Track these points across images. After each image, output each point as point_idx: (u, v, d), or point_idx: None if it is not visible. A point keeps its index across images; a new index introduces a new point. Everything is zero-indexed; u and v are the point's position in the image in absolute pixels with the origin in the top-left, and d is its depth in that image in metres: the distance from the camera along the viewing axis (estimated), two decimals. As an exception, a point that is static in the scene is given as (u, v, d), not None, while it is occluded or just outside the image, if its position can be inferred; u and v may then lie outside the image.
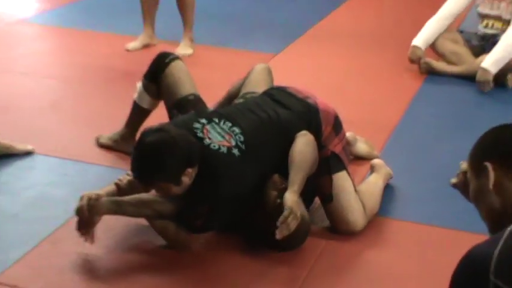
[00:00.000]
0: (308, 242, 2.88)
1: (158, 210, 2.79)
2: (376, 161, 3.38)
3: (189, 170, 2.70)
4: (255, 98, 3.12)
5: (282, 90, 3.14)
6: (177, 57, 3.37)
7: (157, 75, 3.33)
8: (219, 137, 2.82)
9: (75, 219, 2.76)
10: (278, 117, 2.96)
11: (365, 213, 3.01)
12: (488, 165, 1.73)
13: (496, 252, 1.52)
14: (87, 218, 2.74)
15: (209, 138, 2.80)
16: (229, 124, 2.88)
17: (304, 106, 3.04)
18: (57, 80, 4.64)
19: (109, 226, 2.96)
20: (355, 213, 2.97)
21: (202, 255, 2.82)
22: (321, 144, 2.97)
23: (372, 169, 3.34)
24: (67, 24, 5.84)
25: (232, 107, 3.09)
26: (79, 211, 2.74)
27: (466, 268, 1.59)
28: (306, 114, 3.01)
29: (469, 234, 2.83)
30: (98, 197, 2.75)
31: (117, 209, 2.77)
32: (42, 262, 2.73)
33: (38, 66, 4.84)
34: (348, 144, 3.29)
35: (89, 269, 2.71)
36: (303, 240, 2.87)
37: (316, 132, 2.98)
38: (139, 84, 3.47)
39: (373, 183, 3.20)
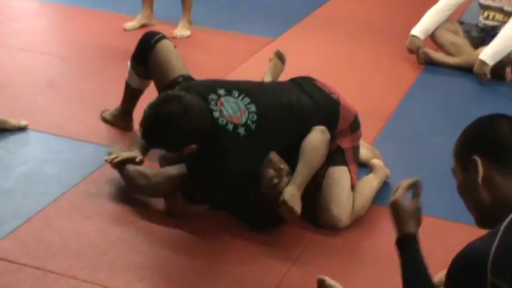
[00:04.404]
0: (299, 224, 2.91)
1: (155, 188, 2.94)
2: (375, 161, 3.29)
3: (192, 146, 2.76)
4: (283, 83, 3.15)
5: (309, 81, 3.15)
6: (162, 37, 3.33)
7: (144, 57, 3.32)
8: (231, 111, 2.84)
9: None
10: (299, 104, 2.98)
11: (352, 212, 2.96)
12: (477, 159, 1.71)
13: (492, 249, 1.51)
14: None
15: (220, 111, 2.82)
16: (248, 100, 2.90)
17: (326, 99, 3.06)
18: (54, 57, 4.62)
19: (101, 205, 2.97)
20: (342, 208, 2.91)
21: (196, 232, 2.85)
22: (331, 137, 2.98)
23: (370, 169, 3.26)
24: (65, 1, 5.81)
25: (256, 84, 3.11)
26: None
27: (463, 265, 1.58)
28: (327, 107, 3.03)
29: (459, 224, 2.84)
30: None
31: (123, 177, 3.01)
32: (32, 237, 2.73)
33: (35, 42, 4.82)
34: None
35: (78, 245, 2.71)
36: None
37: (332, 125, 2.99)
38: (128, 65, 3.46)
39: (367, 184, 3.12)
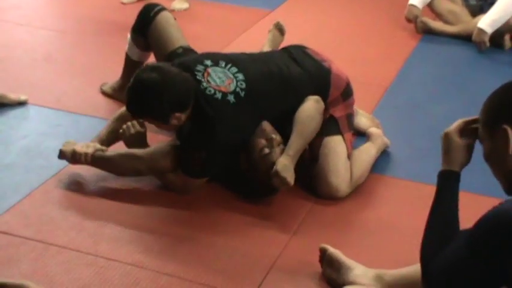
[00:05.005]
0: (299, 195, 2.92)
1: (153, 167, 2.87)
2: (373, 130, 3.28)
3: (178, 114, 2.74)
4: (273, 51, 3.12)
5: (300, 49, 3.14)
6: (162, 9, 3.34)
7: (144, 29, 3.33)
8: (218, 80, 2.84)
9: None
10: (289, 73, 2.97)
11: (350, 181, 2.96)
12: (507, 128, 1.70)
13: None
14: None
15: (207, 82, 2.82)
16: (235, 69, 2.90)
17: (317, 68, 3.05)
18: (52, 31, 4.61)
19: (101, 177, 2.98)
20: (340, 177, 2.92)
21: (195, 205, 2.86)
22: (324, 107, 2.97)
23: (368, 138, 3.25)
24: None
25: (245, 55, 3.10)
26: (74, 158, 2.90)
27: (492, 226, 1.60)
28: (317, 76, 3.02)
29: (463, 193, 2.84)
30: (90, 155, 2.88)
31: (106, 166, 2.91)
32: (33, 211, 2.75)
33: (31, 16, 4.80)
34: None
35: (79, 218, 2.72)
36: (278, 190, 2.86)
37: (323, 93, 2.98)
38: (128, 37, 3.47)
39: (364, 152, 3.11)
